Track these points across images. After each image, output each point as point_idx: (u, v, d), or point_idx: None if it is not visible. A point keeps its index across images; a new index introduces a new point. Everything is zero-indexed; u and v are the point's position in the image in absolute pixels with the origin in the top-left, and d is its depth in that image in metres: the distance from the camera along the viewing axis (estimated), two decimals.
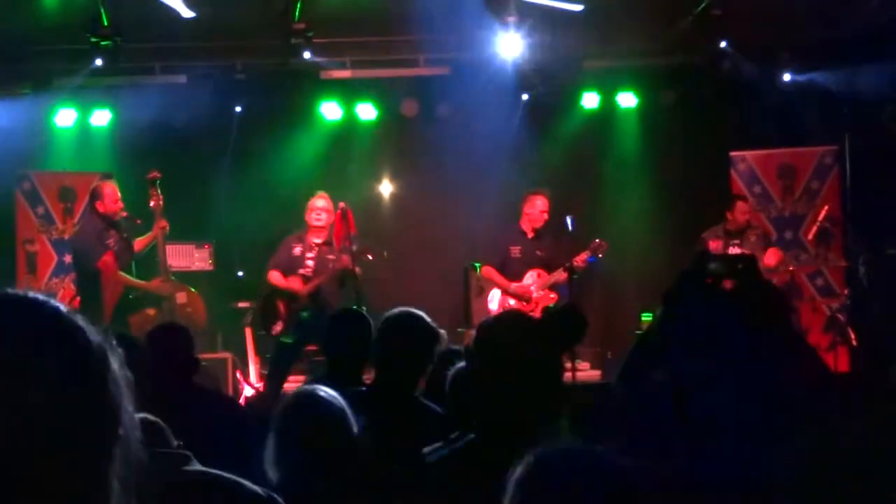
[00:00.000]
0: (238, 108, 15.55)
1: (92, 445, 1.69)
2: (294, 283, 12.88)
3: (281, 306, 12.97)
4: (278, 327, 12.96)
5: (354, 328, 6.79)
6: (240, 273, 15.46)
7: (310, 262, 12.94)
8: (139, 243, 12.66)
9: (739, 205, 13.69)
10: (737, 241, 13.53)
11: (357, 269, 12.58)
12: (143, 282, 12.42)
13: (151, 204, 12.50)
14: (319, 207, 12.99)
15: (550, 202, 13.51)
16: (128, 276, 12.27)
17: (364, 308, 12.02)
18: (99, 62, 13.87)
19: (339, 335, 6.78)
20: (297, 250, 12.98)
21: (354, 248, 12.41)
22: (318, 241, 12.99)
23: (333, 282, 12.88)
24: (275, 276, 13.01)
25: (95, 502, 1.69)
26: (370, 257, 12.77)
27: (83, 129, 15.50)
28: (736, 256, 10.81)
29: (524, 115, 15.96)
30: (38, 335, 1.70)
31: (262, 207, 15.39)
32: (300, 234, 13.10)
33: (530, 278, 13.34)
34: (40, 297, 1.77)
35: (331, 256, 12.81)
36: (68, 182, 15.11)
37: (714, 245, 13.46)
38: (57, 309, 1.75)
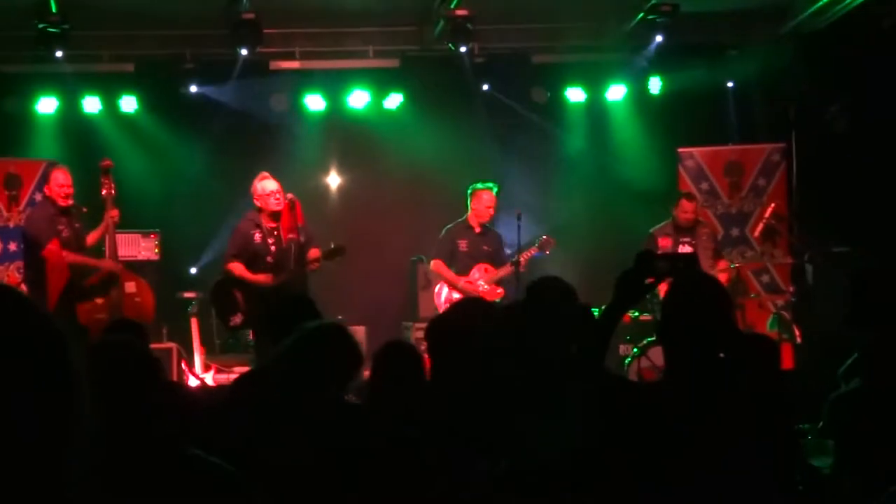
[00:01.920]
0: (190, 96, 15.42)
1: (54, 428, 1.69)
2: (263, 279, 12.23)
3: (240, 296, 12.33)
4: (238, 319, 12.51)
5: (303, 316, 6.70)
6: (193, 269, 15.41)
7: (272, 248, 12.35)
8: (91, 237, 12.53)
9: (682, 203, 13.70)
10: (687, 239, 13.56)
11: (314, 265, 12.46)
12: (93, 259, 12.31)
13: (103, 192, 12.36)
14: (276, 190, 12.32)
15: (497, 197, 13.49)
16: (77, 255, 12.16)
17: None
18: (49, 50, 13.79)
19: (287, 324, 6.65)
20: (258, 237, 12.37)
21: (303, 238, 12.27)
22: (274, 225, 12.39)
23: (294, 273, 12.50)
24: (238, 268, 12.32)
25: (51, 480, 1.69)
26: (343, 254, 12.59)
27: (29, 116, 15.37)
28: (678, 255, 10.87)
29: (473, 110, 15.96)
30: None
31: (208, 196, 15.34)
32: (254, 218, 12.47)
33: (477, 273, 13.32)
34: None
35: (291, 235, 12.30)
36: (13, 169, 14.97)
37: (664, 242, 13.50)
38: (21, 295, 1.75)
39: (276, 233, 12.31)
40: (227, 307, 12.40)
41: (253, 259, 12.33)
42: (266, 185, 12.33)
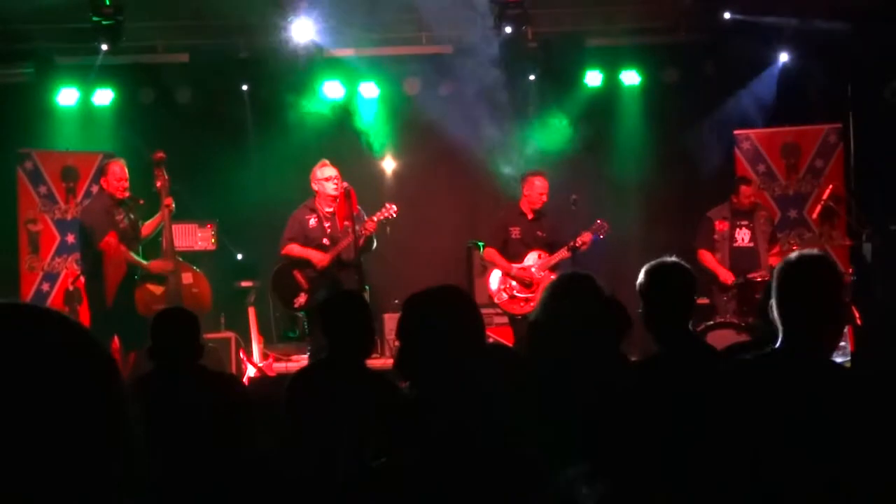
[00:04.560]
0: (245, 87, 15.52)
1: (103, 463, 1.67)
2: (313, 255, 12.44)
3: (300, 277, 12.52)
4: (302, 299, 12.57)
5: (353, 310, 6.68)
6: (239, 256, 15.46)
7: (328, 230, 12.51)
8: (147, 227, 12.57)
9: (744, 189, 13.57)
10: (745, 222, 13.43)
11: (371, 227, 12.47)
12: (143, 261, 12.35)
13: (158, 184, 12.41)
14: (334, 175, 12.52)
15: (550, 182, 13.44)
16: (131, 254, 12.21)
17: (368, 287, 12.04)
18: (102, 43, 13.89)
19: (338, 316, 6.64)
20: (313, 221, 12.55)
21: (358, 227, 12.30)
22: (331, 210, 12.56)
23: (351, 252, 12.58)
24: (293, 249, 12.55)
25: None
26: (394, 213, 12.60)
27: (85, 109, 15.46)
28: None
29: (527, 94, 15.92)
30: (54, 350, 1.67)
31: (264, 186, 15.37)
32: (309, 204, 12.67)
33: (531, 259, 13.27)
34: (47, 309, 1.74)
35: (347, 223, 12.48)
36: (70, 161, 15.10)
37: (720, 226, 13.40)
38: (68, 321, 1.72)
39: (332, 217, 12.44)
40: (289, 290, 12.63)
41: (308, 243, 12.49)
42: (324, 171, 12.53)
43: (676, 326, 5.69)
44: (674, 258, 5.98)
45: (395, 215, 12.64)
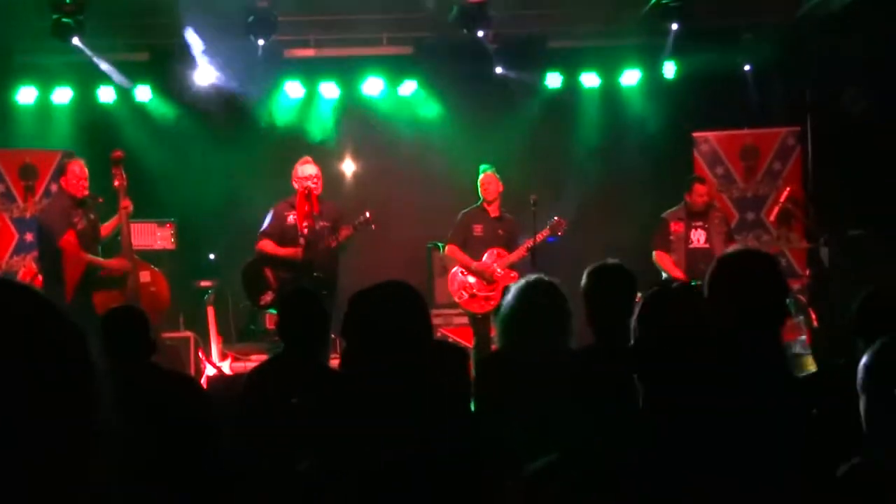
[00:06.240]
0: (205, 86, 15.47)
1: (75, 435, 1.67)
2: (292, 252, 12.24)
3: (270, 275, 12.43)
4: (268, 297, 12.45)
5: (308, 308, 6.74)
6: (211, 255, 15.43)
7: (305, 230, 12.29)
8: (106, 228, 12.48)
9: (697, 187, 13.59)
10: (700, 223, 13.46)
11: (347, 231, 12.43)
12: (102, 259, 12.28)
13: (116, 184, 12.32)
14: (313, 175, 12.44)
15: (510, 183, 13.49)
16: (89, 256, 12.14)
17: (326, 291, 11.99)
18: (64, 40, 13.84)
19: (293, 315, 6.71)
20: (292, 218, 12.42)
21: (318, 226, 12.22)
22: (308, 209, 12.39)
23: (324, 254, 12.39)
24: (268, 245, 12.44)
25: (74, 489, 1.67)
26: (373, 227, 12.59)
27: (44, 107, 15.42)
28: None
29: (487, 94, 15.95)
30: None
31: (224, 186, 15.34)
32: (291, 200, 12.51)
33: (489, 257, 13.30)
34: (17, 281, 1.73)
35: (323, 223, 12.41)
36: (29, 160, 15.01)
37: (676, 227, 13.43)
38: (38, 294, 1.72)
39: (310, 217, 12.34)
40: (257, 286, 12.50)
41: (285, 239, 12.39)
42: (304, 169, 12.46)
43: (616, 323, 5.75)
44: (615, 260, 6.11)
45: (373, 228, 12.62)
